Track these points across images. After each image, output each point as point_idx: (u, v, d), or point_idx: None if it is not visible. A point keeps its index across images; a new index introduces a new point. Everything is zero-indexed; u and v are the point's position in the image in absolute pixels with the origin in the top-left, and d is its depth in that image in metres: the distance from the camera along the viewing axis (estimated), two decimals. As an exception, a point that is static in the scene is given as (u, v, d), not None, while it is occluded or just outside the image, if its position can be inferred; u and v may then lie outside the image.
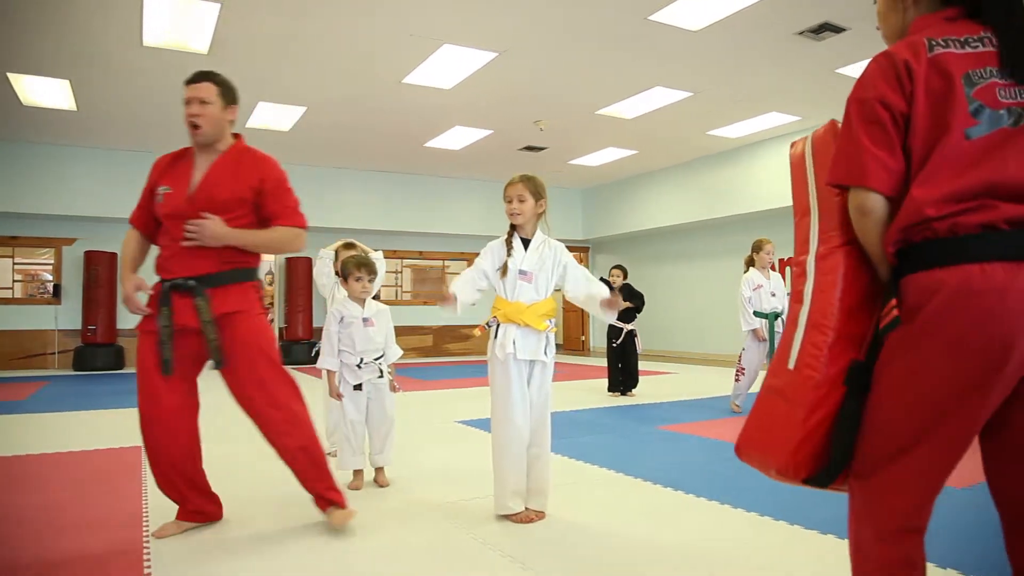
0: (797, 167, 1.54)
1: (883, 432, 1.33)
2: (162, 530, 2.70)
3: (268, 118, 9.07)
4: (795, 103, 8.57)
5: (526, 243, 2.99)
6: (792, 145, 1.58)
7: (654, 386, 7.89)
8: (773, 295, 5.71)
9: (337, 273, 3.75)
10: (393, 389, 3.56)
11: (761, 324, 5.66)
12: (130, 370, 10.46)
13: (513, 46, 6.72)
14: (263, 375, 2.70)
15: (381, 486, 3.47)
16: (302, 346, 11.84)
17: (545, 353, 2.93)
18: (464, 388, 7.97)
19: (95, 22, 6.01)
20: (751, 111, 8.97)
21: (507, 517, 2.88)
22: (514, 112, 8.92)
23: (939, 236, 1.26)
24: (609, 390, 7.21)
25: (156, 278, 2.70)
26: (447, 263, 14.29)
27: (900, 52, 1.33)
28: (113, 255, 10.79)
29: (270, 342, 2.76)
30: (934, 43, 1.32)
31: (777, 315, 5.65)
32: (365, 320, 3.46)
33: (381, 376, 3.51)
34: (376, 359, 3.50)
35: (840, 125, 1.41)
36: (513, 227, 3.01)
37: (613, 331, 7.20)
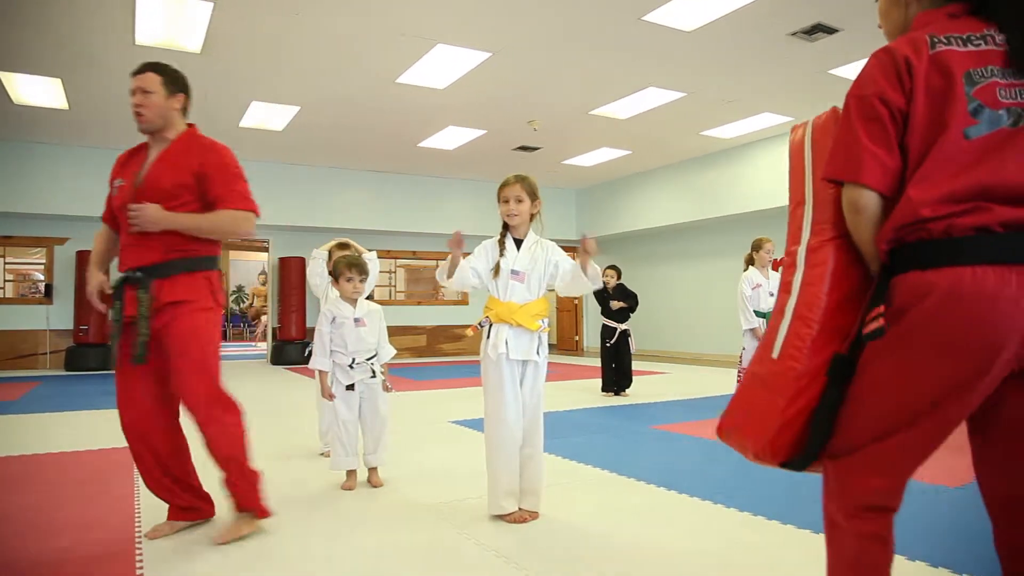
0: (796, 154, 1.53)
1: (862, 421, 1.35)
2: (154, 531, 2.69)
3: (261, 118, 9.05)
4: (788, 104, 8.60)
5: (519, 243, 2.99)
6: (793, 130, 1.56)
7: (647, 386, 7.90)
8: (772, 295, 5.71)
9: (330, 273, 3.75)
10: (385, 389, 3.55)
11: (760, 323, 5.67)
12: (122, 370, 10.40)
13: (507, 46, 6.72)
14: (183, 370, 2.59)
15: (374, 486, 3.47)
16: (295, 346, 11.81)
17: (538, 353, 2.93)
18: (457, 388, 7.97)
19: (87, 21, 5.99)
20: (744, 111, 9.00)
21: (500, 517, 2.88)
22: (508, 112, 8.92)
23: (933, 237, 1.26)
24: (603, 390, 7.22)
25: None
26: (441, 263, 14.19)
27: (901, 48, 1.32)
28: (105, 255, 10.73)
29: (202, 340, 2.63)
30: (936, 40, 1.31)
31: (776, 314, 5.64)
32: (356, 320, 3.46)
33: (374, 376, 3.51)
34: (368, 359, 3.49)
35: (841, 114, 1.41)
36: (506, 227, 3.01)
37: (607, 331, 7.21)
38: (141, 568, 2.38)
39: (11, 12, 5.80)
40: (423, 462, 4.03)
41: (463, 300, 14.11)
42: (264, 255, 13.92)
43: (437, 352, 13.82)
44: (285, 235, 12.48)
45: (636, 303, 7.33)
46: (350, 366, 3.45)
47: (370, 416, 3.52)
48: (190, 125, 2.80)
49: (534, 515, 2.91)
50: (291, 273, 12.04)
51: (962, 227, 1.24)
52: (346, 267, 3.45)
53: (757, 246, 5.84)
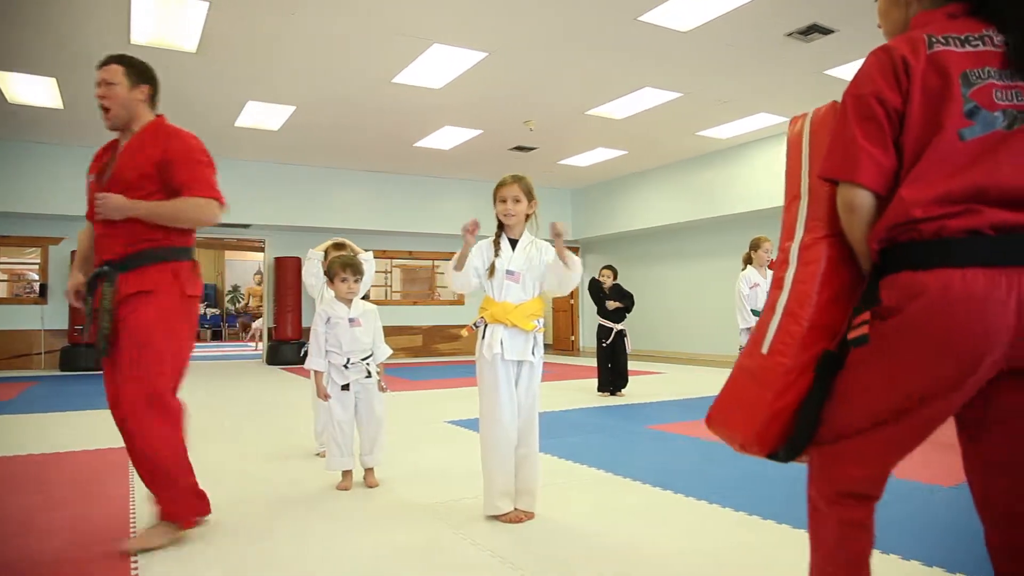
0: (793, 147, 1.52)
1: (848, 414, 1.36)
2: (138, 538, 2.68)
3: (257, 117, 9.04)
4: (784, 104, 8.61)
5: (513, 243, 2.99)
6: (792, 122, 1.55)
7: (643, 386, 7.91)
8: None
9: (325, 273, 3.75)
10: (381, 389, 3.55)
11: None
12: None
13: (503, 46, 6.72)
14: (130, 363, 2.51)
15: (370, 487, 3.46)
16: (291, 346, 11.80)
17: (533, 353, 2.93)
18: (453, 388, 7.97)
19: (82, 20, 5.97)
20: (740, 112, 9.01)
21: (496, 517, 2.88)
22: (504, 112, 8.92)
23: (924, 238, 1.26)
24: (599, 390, 7.22)
25: None
26: (437, 263, 14.28)
27: (899, 48, 1.32)
28: (100, 255, 10.71)
29: (160, 333, 2.54)
30: (934, 40, 1.31)
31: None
32: (351, 320, 3.46)
33: (369, 376, 3.50)
34: (364, 359, 3.49)
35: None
36: (501, 227, 3.01)
37: (603, 331, 7.22)
38: (136, 568, 2.37)
39: (6, 11, 5.79)
40: (419, 462, 4.03)
41: (459, 300, 14.11)
42: (260, 255, 13.89)
43: (433, 352, 13.81)
44: (281, 235, 12.46)
45: (632, 303, 7.34)
46: (345, 366, 3.45)
47: (366, 416, 3.51)
48: (159, 116, 2.76)
49: (530, 515, 2.91)
50: (287, 273, 12.02)
51: (953, 229, 1.24)
52: (341, 267, 3.45)
53: (755, 245, 5.84)
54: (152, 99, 2.75)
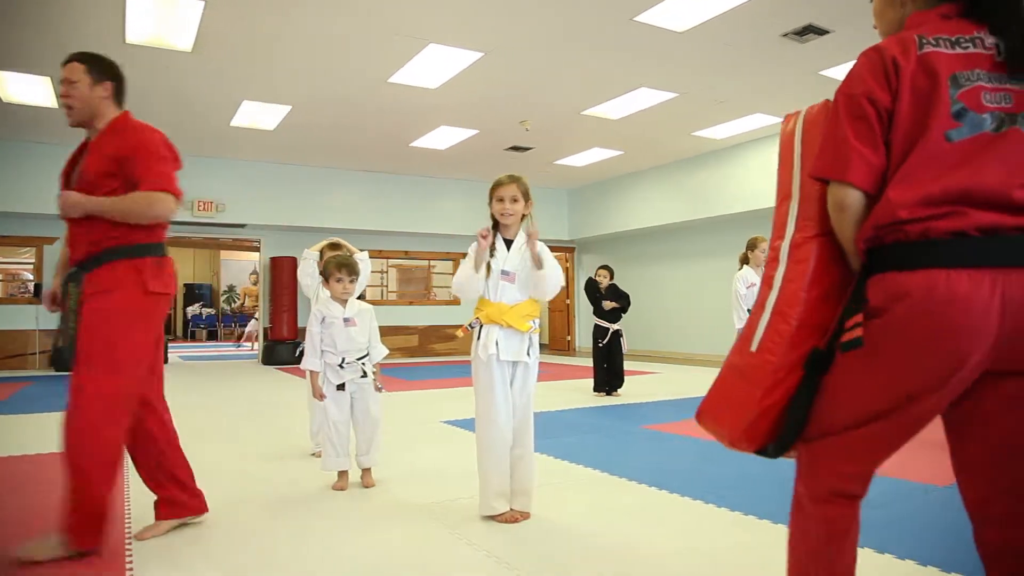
0: (786, 146, 1.53)
1: (834, 411, 1.38)
2: (143, 532, 2.68)
3: (253, 117, 9.02)
4: (780, 104, 8.62)
5: (508, 244, 2.99)
6: (785, 120, 1.56)
7: (639, 386, 7.92)
8: None
9: (321, 273, 3.75)
10: (376, 389, 3.54)
11: None
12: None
13: (499, 46, 6.72)
14: (79, 361, 2.46)
15: (366, 487, 3.46)
16: (286, 346, 11.78)
17: (528, 354, 2.93)
18: (449, 388, 7.96)
19: (77, 18, 5.96)
20: (736, 112, 9.02)
21: (492, 518, 2.88)
22: (499, 112, 8.92)
23: (910, 239, 1.27)
24: (595, 390, 7.23)
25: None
26: (433, 263, 14.27)
27: (890, 48, 1.33)
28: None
29: (108, 330, 2.47)
30: (925, 41, 1.32)
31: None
32: (346, 320, 3.45)
33: (365, 376, 3.50)
34: (359, 359, 3.49)
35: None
36: (495, 228, 3.01)
37: (599, 331, 7.23)
38: (131, 569, 2.37)
39: (1, 10, 5.77)
40: (415, 462, 4.03)
41: (455, 300, 14.09)
42: (255, 255, 13.86)
43: (429, 352, 13.80)
44: (276, 235, 12.44)
45: (628, 303, 7.35)
46: (340, 365, 3.44)
47: (362, 417, 3.51)
48: (124, 112, 2.72)
49: (525, 515, 2.92)
50: (282, 273, 12.00)
51: (939, 230, 1.25)
52: (336, 268, 3.45)
53: (752, 245, 5.85)
54: (116, 95, 2.70)
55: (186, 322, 21.12)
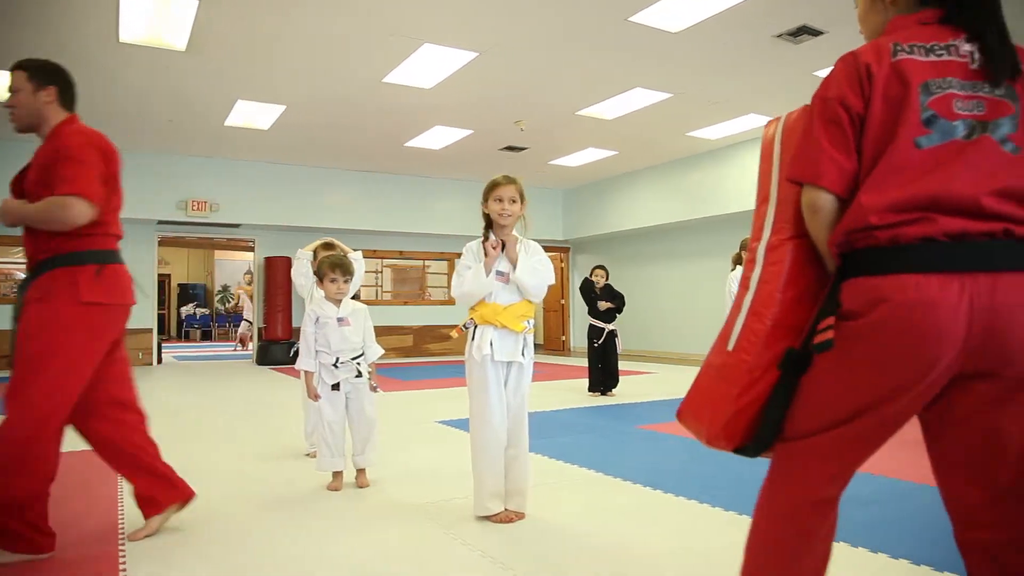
0: (766, 151, 1.55)
1: (809, 413, 1.39)
2: (135, 533, 2.67)
3: (247, 117, 9.00)
4: (774, 105, 8.64)
5: (504, 244, 2.99)
6: (766, 126, 1.58)
7: (634, 386, 7.93)
8: None
9: (315, 273, 3.74)
10: (372, 389, 3.54)
11: None
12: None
13: (494, 46, 6.72)
14: (14, 362, 2.43)
15: (360, 487, 3.46)
16: (281, 346, 11.75)
17: (523, 354, 2.93)
18: (444, 388, 7.96)
19: (70, 17, 5.93)
20: (730, 113, 9.04)
21: (486, 518, 2.88)
22: (494, 112, 8.92)
23: (880, 244, 1.29)
24: (589, 390, 7.23)
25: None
26: (427, 263, 14.26)
27: (864, 55, 1.35)
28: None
29: (33, 339, 2.43)
30: (899, 48, 1.33)
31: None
32: (340, 320, 3.45)
33: (359, 376, 3.49)
34: (354, 358, 3.48)
35: None
36: (488, 228, 3.00)
37: (594, 331, 7.22)
38: (124, 569, 2.36)
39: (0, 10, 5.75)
40: (409, 462, 4.02)
41: (449, 300, 14.09)
42: (250, 255, 13.83)
43: (423, 352, 13.79)
44: (271, 235, 12.42)
45: (623, 303, 7.36)
46: (335, 365, 3.44)
47: (357, 417, 3.51)
48: (69, 116, 2.68)
49: (520, 515, 2.92)
50: (277, 273, 11.98)
51: (908, 236, 1.27)
52: (330, 268, 3.44)
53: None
54: (62, 99, 2.66)
55: (180, 322, 21.08)
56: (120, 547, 2.59)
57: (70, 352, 2.45)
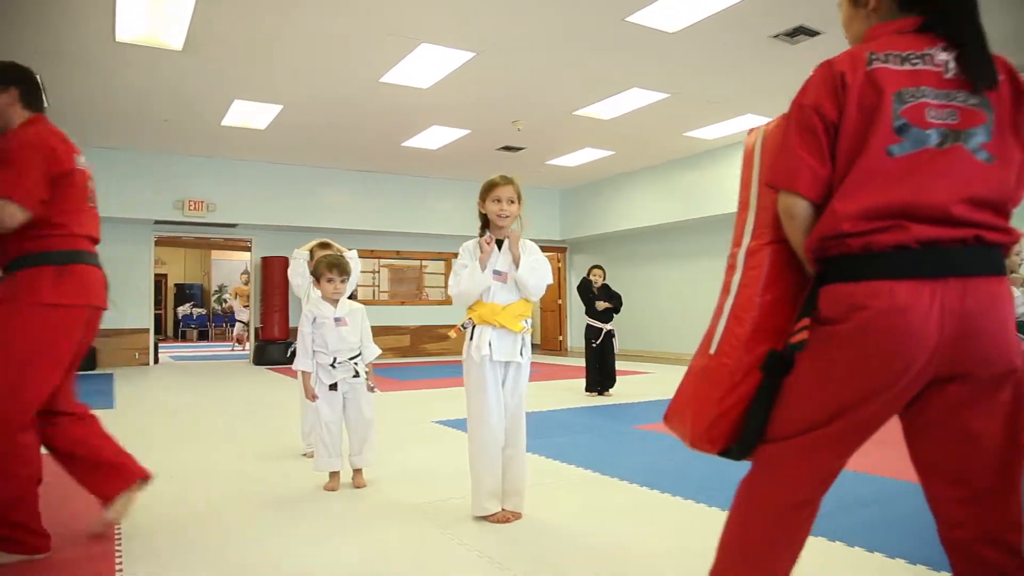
0: (747, 159, 1.58)
1: (790, 415, 1.41)
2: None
3: (244, 116, 8.98)
4: (770, 105, 8.65)
5: (500, 244, 2.99)
6: (748, 134, 1.60)
7: (631, 386, 7.93)
8: None
9: (311, 273, 3.74)
10: (369, 389, 3.54)
11: None
12: (104, 370, 10.32)
13: (491, 46, 6.72)
14: None
15: (357, 487, 3.46)
16: (277, 346, 11.74)
17: (521, 354, 2.93)
18: (441, 388, 7.96)
19: (66, 16, 5.91)
20: (727, 113, 9.05)
21: (484, 518, 2.88)
22: (491, 112, 8.92)
23: (853, 252, 1.31)
24: (587, 390, 7.24)
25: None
26: (425, 263, 14.26)
27: (839, 63, 1.36)
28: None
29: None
30: (875, 57, 1.34)
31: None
32: (337, 320, 3.45)
33: (357, 376, 3.49)
34: (351, 359, 3.48)
35: None
36: (485, 227, 3.00)
37: (592, 331, 7.23)
38: (121, 569, 2.36)
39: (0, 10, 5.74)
40: (406, 462, 4.02)
41: (446, 300, 14.08)
42: (247, 255, 13.81)
43: (421, 352, 13.79)
44: (268, 234, 12.40)
45: (620, 303, 7.37)
46: (332, 365, 3.44)
47: (354, 417, 3.50)
48: (32, 116, 2.66)
49: (517, 515, 2.92)
50: (274, 273, 11.96)
51: (881, 244, 1.29)
52: (326, 267, 3.44)
53: None
54: (25, 100, 2.64)
55: (176, 322, 21.05)
56: (117, 547, 2.59)
57: (28, 354, 2.42)
